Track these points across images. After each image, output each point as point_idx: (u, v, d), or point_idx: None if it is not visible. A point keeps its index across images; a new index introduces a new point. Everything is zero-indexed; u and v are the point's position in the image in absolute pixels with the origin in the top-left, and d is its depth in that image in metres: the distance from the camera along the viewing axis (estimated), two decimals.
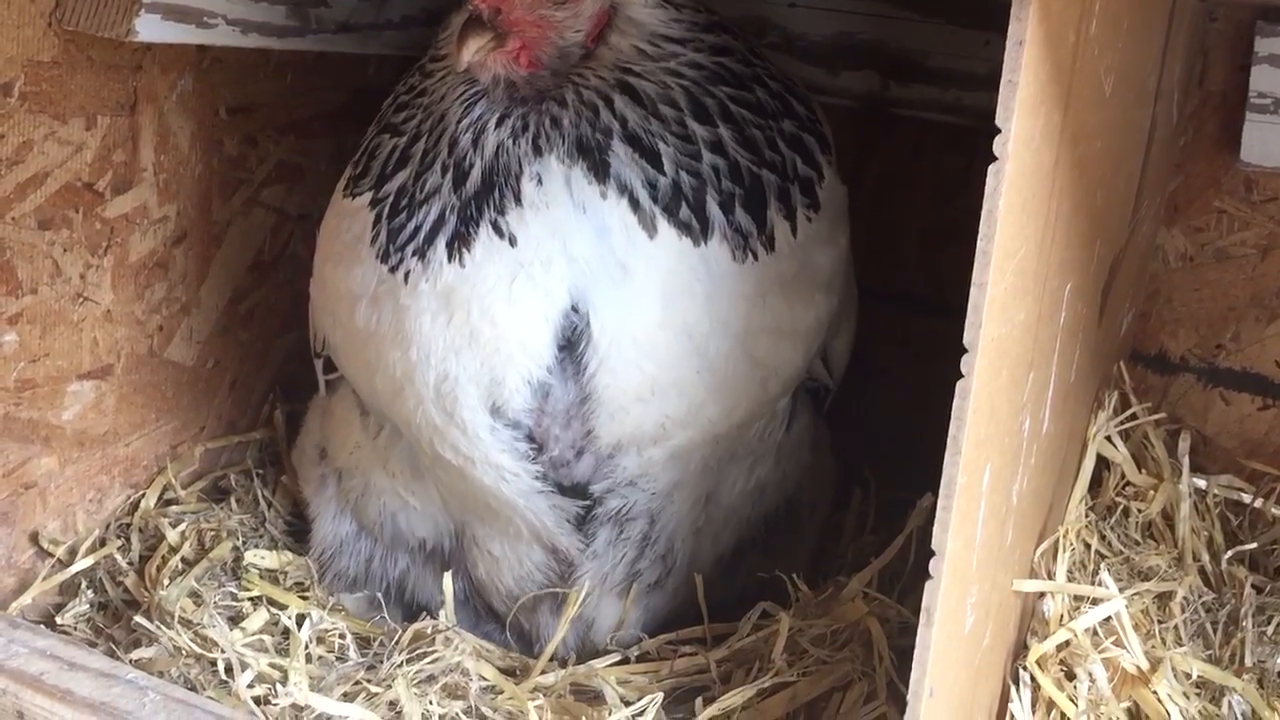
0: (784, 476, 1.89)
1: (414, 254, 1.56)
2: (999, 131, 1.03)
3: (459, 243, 1.53)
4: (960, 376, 1.08)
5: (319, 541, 1.97)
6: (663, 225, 1.52)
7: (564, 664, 1.78)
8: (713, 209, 1.54)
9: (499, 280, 1.52)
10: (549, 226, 1.51)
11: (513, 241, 1.51)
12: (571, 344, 1.54)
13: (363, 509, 1.91)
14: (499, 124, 1.54)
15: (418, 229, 1.56)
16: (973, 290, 1.06)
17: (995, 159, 1.04)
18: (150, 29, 1.70)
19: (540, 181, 1.51)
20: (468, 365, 1.56)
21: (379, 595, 1.90)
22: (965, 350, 1.07)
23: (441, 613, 1.83)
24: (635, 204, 1.52)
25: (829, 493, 2.07)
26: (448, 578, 1.84)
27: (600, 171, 1.51)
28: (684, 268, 1.53)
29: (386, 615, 1.86)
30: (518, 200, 1.51)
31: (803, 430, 1.88)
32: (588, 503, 1.69)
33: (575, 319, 1.53)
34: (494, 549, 1.79)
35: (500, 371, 1.55)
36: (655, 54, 1.55)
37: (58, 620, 1.85)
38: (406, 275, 1.57)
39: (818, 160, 1.65)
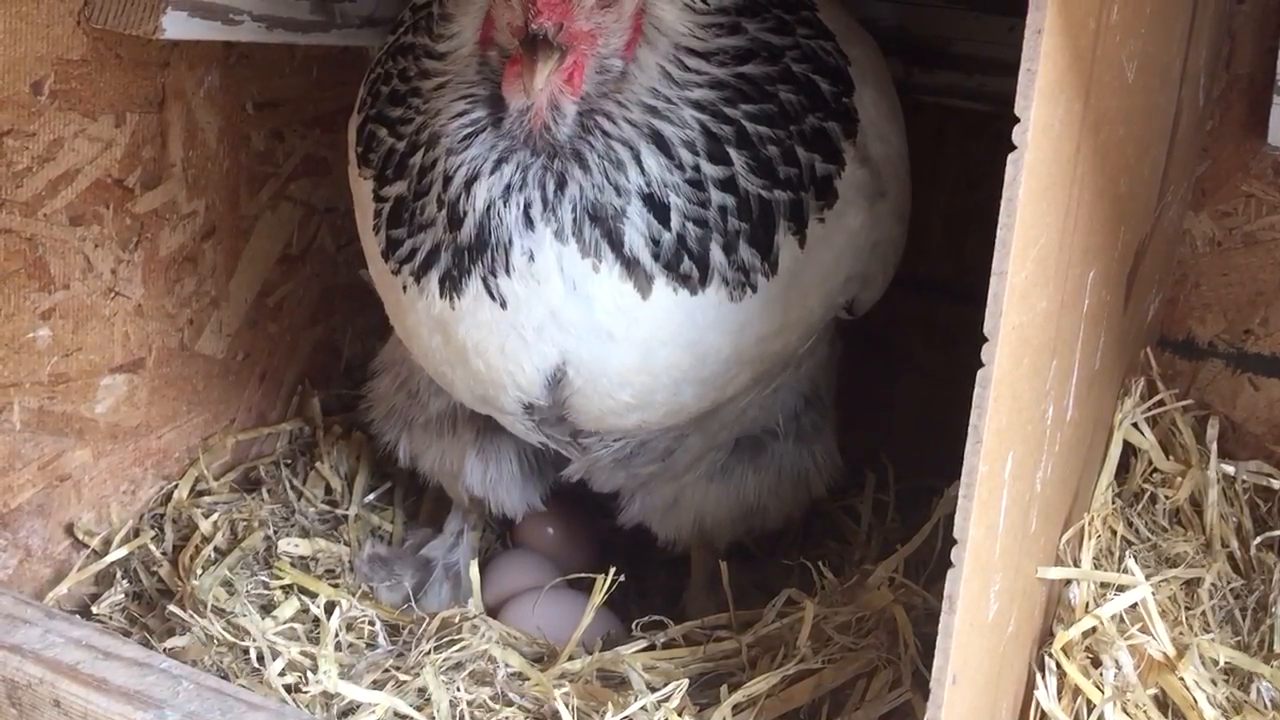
0: (801, 377, 1.87)
1: (410, 274, 1.56)
2: (1019, 120, 1.03)
3: (450, 284, 1.52)
4: (982, 365, 1.08)
5: (381, 354, 2.03)
6: (659, 285, 1.49)
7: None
8: (715, 254, 1.49)
9: (492, 332, 1.53)
10: (540, 298, 1.49)
11: (504, 305, 1.50)
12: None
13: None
14: (494, 170, 1.47)
15: (414, 252, 1.55)
16: (993, 279, 1.06)
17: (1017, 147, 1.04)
18: (177, 26, 1.72)
19: (532, 258, 1.47)
20: (461, 376, 1.62)
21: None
22: (987, 338, 1.07)
23: (470, 601, 1.85)
24: (633, 266, 1.47)
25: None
26: (474, 565, 1.86)
27: (603, 241, 1.46)
28: (671, 323, 1.51)
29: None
30: (508, 271, 1.48)
31: (822, 332, 1.83)
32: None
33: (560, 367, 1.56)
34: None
35: (493, 393, 1.62)
36: (680, 78, 1.47)
37: (93, 610, 1.88)
38: (404, 286, 1.58)
39: (839, 148, 1.58)
